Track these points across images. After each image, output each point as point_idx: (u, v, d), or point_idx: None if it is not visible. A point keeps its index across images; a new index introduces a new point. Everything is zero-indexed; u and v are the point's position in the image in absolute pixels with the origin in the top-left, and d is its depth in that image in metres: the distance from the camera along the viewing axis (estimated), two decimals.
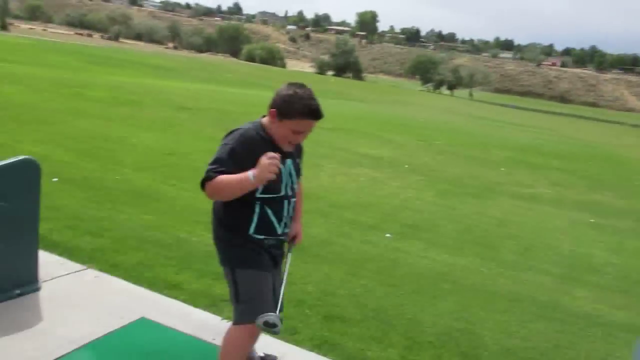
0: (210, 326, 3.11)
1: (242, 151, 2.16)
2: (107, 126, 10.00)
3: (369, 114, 23.67)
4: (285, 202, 2.31)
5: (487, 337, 3.69)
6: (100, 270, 3.66)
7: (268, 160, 2.05)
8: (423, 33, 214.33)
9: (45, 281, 3.27)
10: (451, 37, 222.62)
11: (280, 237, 2.35)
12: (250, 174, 2.08)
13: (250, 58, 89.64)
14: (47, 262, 3.49)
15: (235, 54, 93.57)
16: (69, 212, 4.80)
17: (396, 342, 3.38)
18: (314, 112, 2.18)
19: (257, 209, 2.24)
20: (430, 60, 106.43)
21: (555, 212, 8.76)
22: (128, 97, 15.10)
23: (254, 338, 2.34)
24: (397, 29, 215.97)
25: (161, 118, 12.28)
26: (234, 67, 55.35)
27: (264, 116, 2.30)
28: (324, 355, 3.07)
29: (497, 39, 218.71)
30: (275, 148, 2.22)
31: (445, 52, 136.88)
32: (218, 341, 2.93)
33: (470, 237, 6.37)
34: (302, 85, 2.23)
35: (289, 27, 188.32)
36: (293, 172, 2.35)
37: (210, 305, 3.42)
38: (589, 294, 4.99)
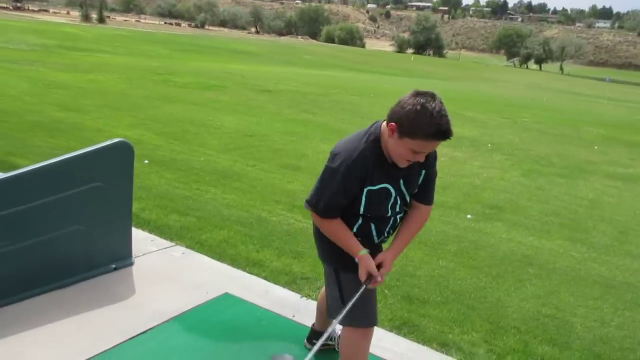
0: (290, 303, 3.19)
1: (350, 179, 2.00)
2: (193, 110, 10.46)
3: (448, 91, 22.95)
4: (392, 219, 2.20)
5: (577, 324, 3.50)
6: (187, 247, 3.85)
7: (367, 279, 2.09)
8: (510, 5, 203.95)
9: (137, 256, 3.49)
10: (542, 8, 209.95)
11: (378, 245, 2.28)
12: (357, 257, 2.09)
13: (329, 39, 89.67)
14: (139, 238, 3.73)
15: (314, 35, 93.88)
16: (158, 192, 5.09)
17: (479, 326, 3.29)
18: (443, 133, 1.84)
19: (360, 220, 2.17)
20: (517, 33, 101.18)
21: None
22: (212, 82, 15.66)
23: (367, 338, 2.30)
24: (482, 2, 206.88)
25: (242, 101, 12.64)
26: (313, 49, 55.61)
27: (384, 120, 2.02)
28: (404, 336, 3.04)
29: (593, 7, 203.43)
30: (391, 167, 2.04)
31: (534, 24, 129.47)
32: (298, 318, 3.01)
33: (559, 219, 6.04)
34: (431, 97, 1.85)
35: (369, 5, 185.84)
36: (405, 192, 2.17)
37: (290, 282, 3.50)
38: None
